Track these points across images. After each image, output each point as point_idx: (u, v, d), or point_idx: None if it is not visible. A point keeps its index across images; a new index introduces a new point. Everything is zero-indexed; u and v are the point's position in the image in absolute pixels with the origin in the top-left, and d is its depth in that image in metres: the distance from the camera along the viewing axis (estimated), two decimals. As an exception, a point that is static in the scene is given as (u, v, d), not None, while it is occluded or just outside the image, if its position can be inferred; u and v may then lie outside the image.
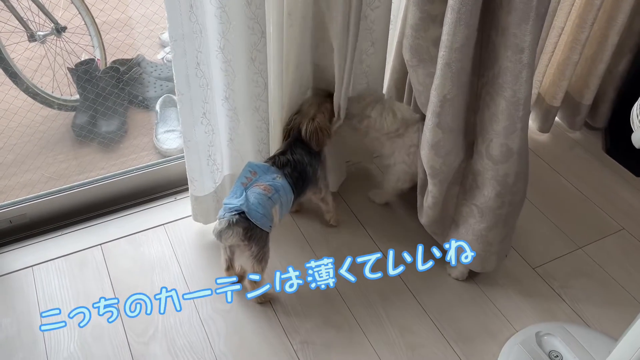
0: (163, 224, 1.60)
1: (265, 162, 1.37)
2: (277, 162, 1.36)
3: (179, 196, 1.68)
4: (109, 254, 1.51)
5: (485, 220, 1.33)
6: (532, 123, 1.96)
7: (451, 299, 1.45)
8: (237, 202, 1.25)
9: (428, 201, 1.38)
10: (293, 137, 1.40)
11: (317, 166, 1.43)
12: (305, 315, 1.39)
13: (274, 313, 1.40)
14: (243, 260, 1.37)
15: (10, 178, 1.71)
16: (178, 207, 1.64)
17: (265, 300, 1.41)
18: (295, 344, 1.34)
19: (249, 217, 1.24)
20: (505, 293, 1.47)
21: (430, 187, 1.35)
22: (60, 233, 1.56)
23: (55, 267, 1.47)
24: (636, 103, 0.92)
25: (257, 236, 1.27)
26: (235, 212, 1.24)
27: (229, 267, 1.40)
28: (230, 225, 1.24)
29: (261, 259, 1.31)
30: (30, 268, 1.47)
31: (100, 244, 1.53)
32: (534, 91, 1.80)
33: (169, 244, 1.55)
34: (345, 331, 1.37)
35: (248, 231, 1.25)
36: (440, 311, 1.42)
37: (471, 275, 1.49)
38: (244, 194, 1.27)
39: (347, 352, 1.33)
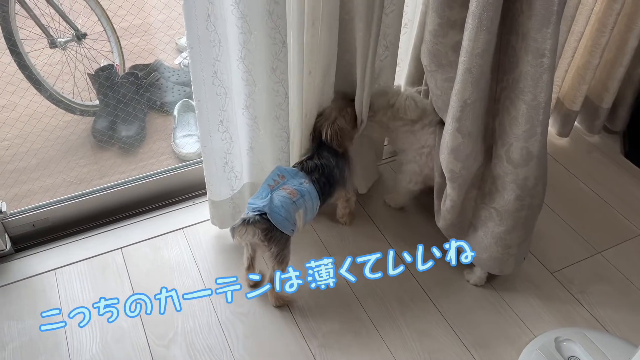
0: (182, 228, 1.62)
1: (294, 166, 1.40)
2: (305, 167, 1.39)
3: (197, 200, 1.70)
4: (129, 257, 1.53)
5: (504, 223, 1.33)
6: (551, 127, 1.95)
7: (469, 303, 1.45)
8: (260, 202, 1.27)
9: (446, 205, 1.39)
10: (317, 141, 1.43)
11: (344, 168, 1.46)
12: (323, 319, 1.40)
13: (292, 317, 1.41)
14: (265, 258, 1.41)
15: (33, 182, 1.74)
16: (196, 211, 1.66)
17: (283, 304, 1.43)
18: (313, 348, 1.35)
19: (270, 218, 1.26)
20: (524, 298, 1.46)
21: (449, 190, 1.35)
22: (81, 237, 1.59)
23: (77, 270, 1.50)
24: None
25: (277, 238, 1.29)
26: (258, 213, 1.26)
27: (250, 267, 1.42)
28: (245, 224, 1.26)
29: (282, 260, 1.33)
30: (53, 271, 1.50)
31: (121, 248, 1.56)
32: (553, 96, 1.79)
33: (188, 247, 1.57)
34: (362, 335, 1.38)
35: (268, 232, 1.27)
36: (458, 316, 1.42)
37: (489, 280, 1.49)
38: (269, 195, 1.28)
39: (364, 357, 1.34)
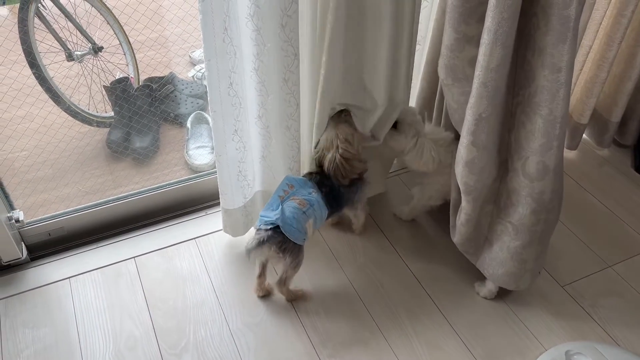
0: (194, 238, 1.64)
1: (304, 176, 1.42)
2: (314, 179, 1.41)
3: (209, 211, 1.72)
4: (142, 266, 1.56)
5: (520, 237, 1.33)
6: (560, 140, 1.96)
7: (479, 316, 1.45)
8: (273, 215, 1.29)
9: (461, 219, 1.39)
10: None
11: (354, 190, 1.45)
12: (333, 330, 1.41)
13: (303, 327, 1.42)
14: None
15: (49, 192, 1.78)
16: (209, 222, 1.68)
17: (295, 298, 1.46)
18: (323, 358, 1.35)
19: (283, 231, 1.28)
20: (534, 311, 1.46)
21: (464, 204, 1.36)
22: (96, 246, 1.61)
23: (91, 279, 1.52)
24: None
25: (291, 249, 1.32)
26: (271, 226, 1.28)
27: (261, 275, 1.44)
28: (261, 243, 1.28)
29: (295, 266, 1.37)
30: (68, 279, 1.52)
31: (134, 257, 1.58)
32: (562, 109, 1.80)
33: (200, 257, 1.59)
34: (372, 347, 1.38)
35: (282, 244, 1.30)
36: (468, 328, 1.42)
37: (500, 294, 1.49)
38: (280, 207, 1.30)
39: (375, 368, 1.35)
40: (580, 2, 1.04)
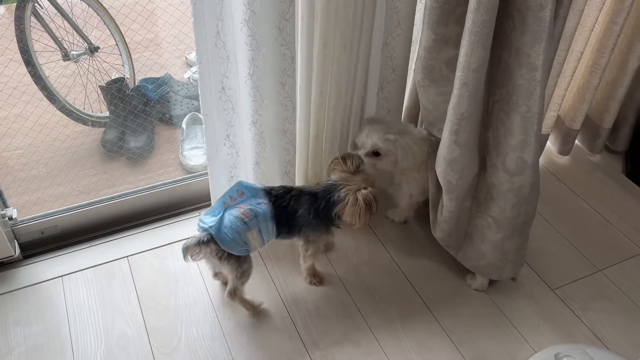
0: (187, 238, 1.64)
1: (264, 188, 1.34)
2: (274, 192, 1.33)
3: (203, 211, 1.72)
4: (135, 266, 1.56)
5: (501, 230, 1.37)
6: (552, 146, 1.98)
7: (469, 318, 1.46)
8: (209, 222, 1.26)
9: (444, 215, 1.42)
10: (311, 191, 1.34)
11: (316, 225, 1.35)
12: (325, 331, 1.42)
13: (294, 328, 1.42)
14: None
15: (43, 191, 1.78)
16: (202, 222, 1.69)
17: (252, 309, 1.42)
18: (315, 358, 1.36)
19: (216, 240, 1.25)
20: (525, 314, 1.47)
21: (446, 202, 1.38)
22: (89, 245, 1.61)
23: (83, 278, 1.52)
24: None
25: (228, 257, 1.28)
26: (207, 233, 1.25)
27: (217, 274, 1.47)
28: (199, 243, 1.25)
29: (240, 275, 1.33)
30: (60, 278, 1.52)
31: (127, 256, 1.58)
32: (554, 114, 1.82)
33: (193, 257, 1.59)
34: (363, 347, 1.39)
35: (219, 252, 1.27)
36: (459, 330, 1.43)
37: (490, 296, 1.50)
38: (221, 214, 1.26)
39: (365, 368, 1.35)
40: (558, 5, 1.07)
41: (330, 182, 1.33)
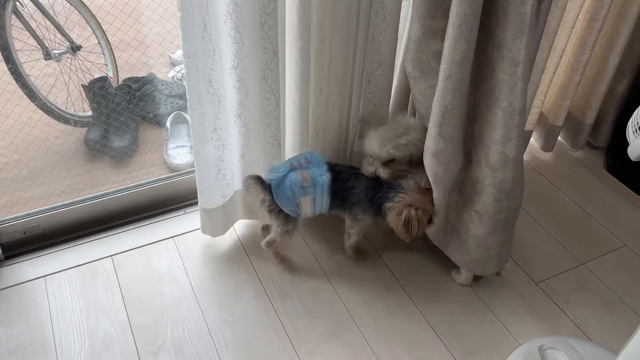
0: (172, 237, 1.63)
1: (329, 162, 1.42)
2: (338, 168, 1.42)
3: (188, 210, 1.72)
4: (119, 265, 1.54)
5: (484, 225, 1.38)
6: (535, 142, 2.00)
7: (456, 313, 1.47)
8: (274, 176, 1.36)
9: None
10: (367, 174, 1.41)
11: (367, 208, 1.41)
12: (312, 327, 1.42)
13: (281, 324, 1.42)
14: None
15: (25, 191, 1.75)
16: (187, 220, 1.68)
17: (282, 262, 1.53)
18: (301, 355, 1.36)
19: (272, 192, 1.36)
20: (509, 308, 1.49)
21: (434, 195, 1.39)
22: (72, 244, 1.59)
23: (67, 277, 1.50)
24: (631, 118, 0.97)
25: (280, 213, 1.39)
26: (267, 184, 1.37)
27: (265, 228, 1.55)
28: (260, 181, 1.37)
29: (283, 233, 1.43)
30: (43, 278, 1.50)
31: (111, 255, 1.57)
32: (537, 111, 1.84)
33: (178, 256, 1.58)
34: (350, 343, 1.39)
35: (271, 204, 1.38)
36: (446, 325, 1.44)
37: (476, 290, 1.51)
38: (286, 173, 1.35)
39: (352, 364, 1.35)
40: (540, 1, 1.08)
41: (399, 180, 1.37)
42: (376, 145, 1.40)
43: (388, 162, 1.41)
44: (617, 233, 1.71)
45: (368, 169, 1.42)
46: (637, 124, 0.94)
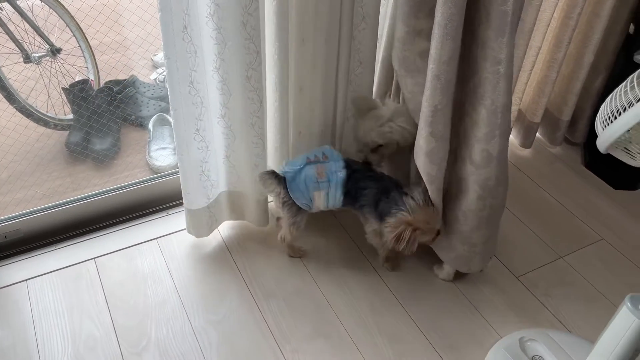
0: (156, 238, 1.63)
1: (346, 159, 1.43)
2: (354, 166, 1.42)
3: (171, 211, 1.72)
4: (102, 267, 1.54)
5: (468, 222, 1.39)
6: (514, 139, 2.03)
7: (438, 308, 1.49)
8: (290, 169, 1.39)
9: None
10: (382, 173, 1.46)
11: (372, 211, 1.41)
12: (296, 325, 1.43)
13: (265, 323, 1.43)
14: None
15: (5, 195, 1.74)
16: (170, 222, 1.68)
17: (296, 255, 1.57)
18: (286, 353, 1.37)
19: (287, 183, 1.39)
20: (491, 302, 1.51)
21: (430, 195, 1.40)
22: (54, 248, 1.59)
23: (49, 281, 1.50)
24: (599, 112, 0.99)
25: (292, 205, 1.42)
26: (283, 177, 1.40)
27: (279, 219, 1.55)
28: (275, 176, 1.40)
29: (292, 225, 1.46)
30: (25, 282, 1.49)
31: (94, 258, 1.56)
32: (515, 108, 1.87)
33: (162, 257, 1.58)
34: (334, 340, 1.40)
35: (285, 197, 1.41)
36: (428, 320, 1.46)
37: (457, 285, 1.53)
38: (302, 167, 1.38)
39: (337, 361, 1.36)
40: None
41: (408, 193, 1.36)
42: (361, 133, 1.46)
43: (376, 148, 1.46)
44: (595, 227, 1.75)
45: (358, 155, 1.48)
46: (605, 117, 0.96)
